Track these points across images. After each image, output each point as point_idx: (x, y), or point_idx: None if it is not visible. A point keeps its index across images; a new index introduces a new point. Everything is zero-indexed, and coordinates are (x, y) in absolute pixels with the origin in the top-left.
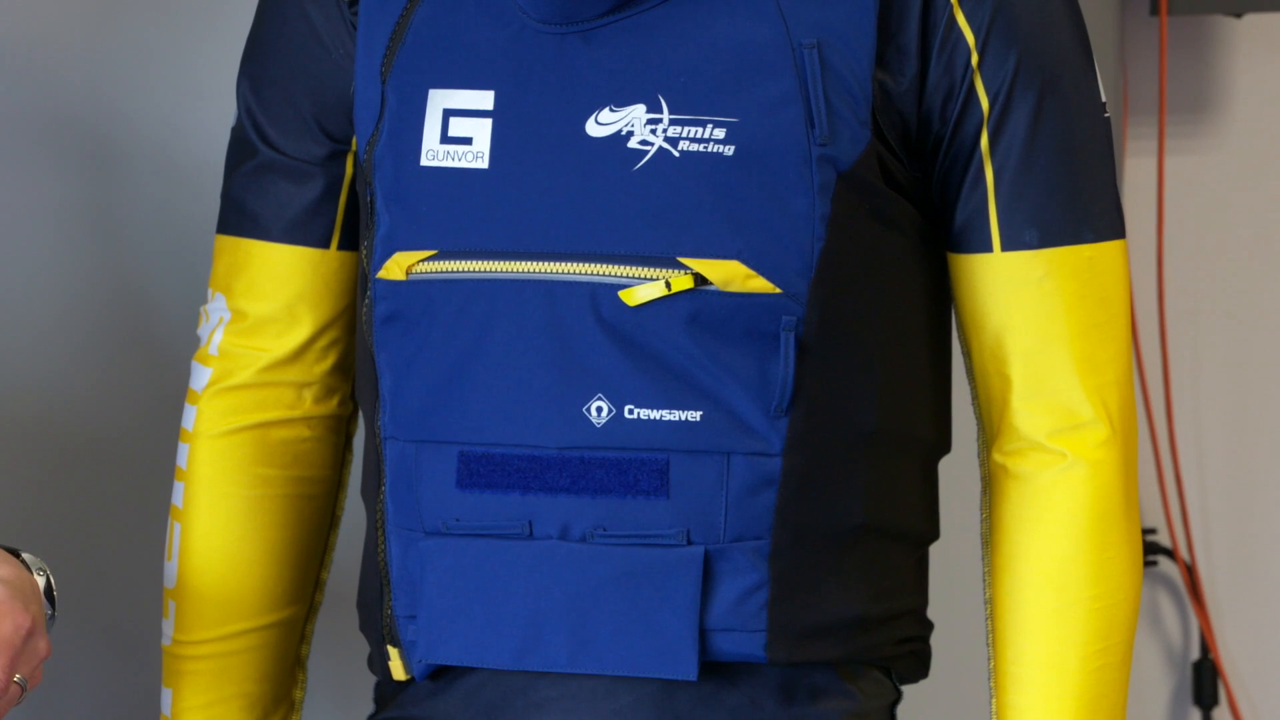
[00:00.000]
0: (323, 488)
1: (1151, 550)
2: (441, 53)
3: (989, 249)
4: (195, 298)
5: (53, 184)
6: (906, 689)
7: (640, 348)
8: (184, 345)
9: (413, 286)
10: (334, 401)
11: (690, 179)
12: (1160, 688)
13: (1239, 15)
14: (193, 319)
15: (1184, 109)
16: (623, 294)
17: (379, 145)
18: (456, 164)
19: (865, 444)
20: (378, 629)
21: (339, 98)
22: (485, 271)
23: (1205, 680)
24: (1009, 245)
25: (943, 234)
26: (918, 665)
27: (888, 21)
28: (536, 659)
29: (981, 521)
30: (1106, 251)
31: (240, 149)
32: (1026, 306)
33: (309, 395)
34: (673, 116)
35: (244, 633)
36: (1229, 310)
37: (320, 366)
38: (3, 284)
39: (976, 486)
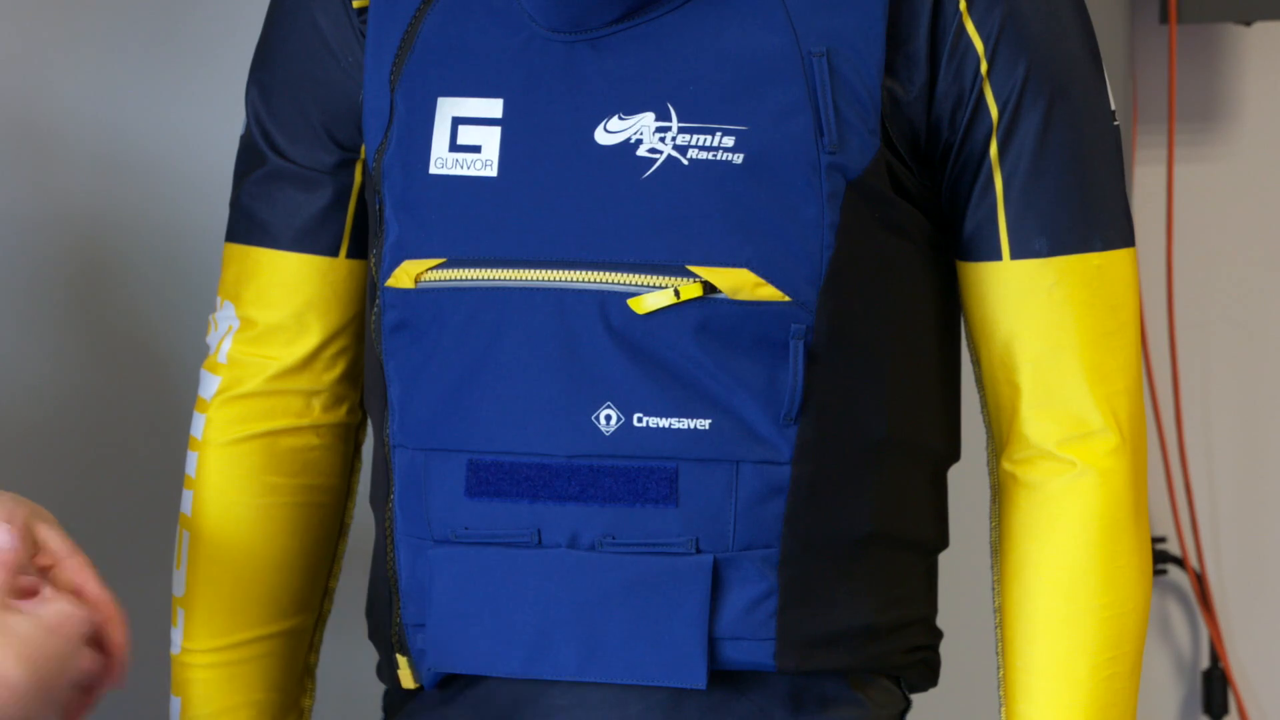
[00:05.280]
0: (331, 496)
1: (1161, 559)
2: (450, 61)
3: (998, 257)
4: (204, 306)
5: (61, 190)
6: (916, 698)
7: (649, 356)
8: (193, 353)
9: (422, 295)
10: (343, 410)
11: (699, 187)
12: (1170, 696)
13: (1249, 23)
14: (201, 327)
15: (1194, 117)
16: (631, 302)
17: (388, 153)
18: (465, 172)
19: (874, 452)
20: (386, 637)
21: (348, 106)
22: (494, 280)
23: (1215, 689)
24: (1018, 253)
25: (952, 242)
26: (927, 674)
27: (897, 30)
28: (546, 667)
29: (991, 530)
30: (1116, 260)
31: (249, 157)
32: (1036, 315)
33: (318, 403)
34: (681, 125)
35: (253, 641)
36: (1239, 318)
37: (329, 375)
38: (8, 291)
39: (986, 495)
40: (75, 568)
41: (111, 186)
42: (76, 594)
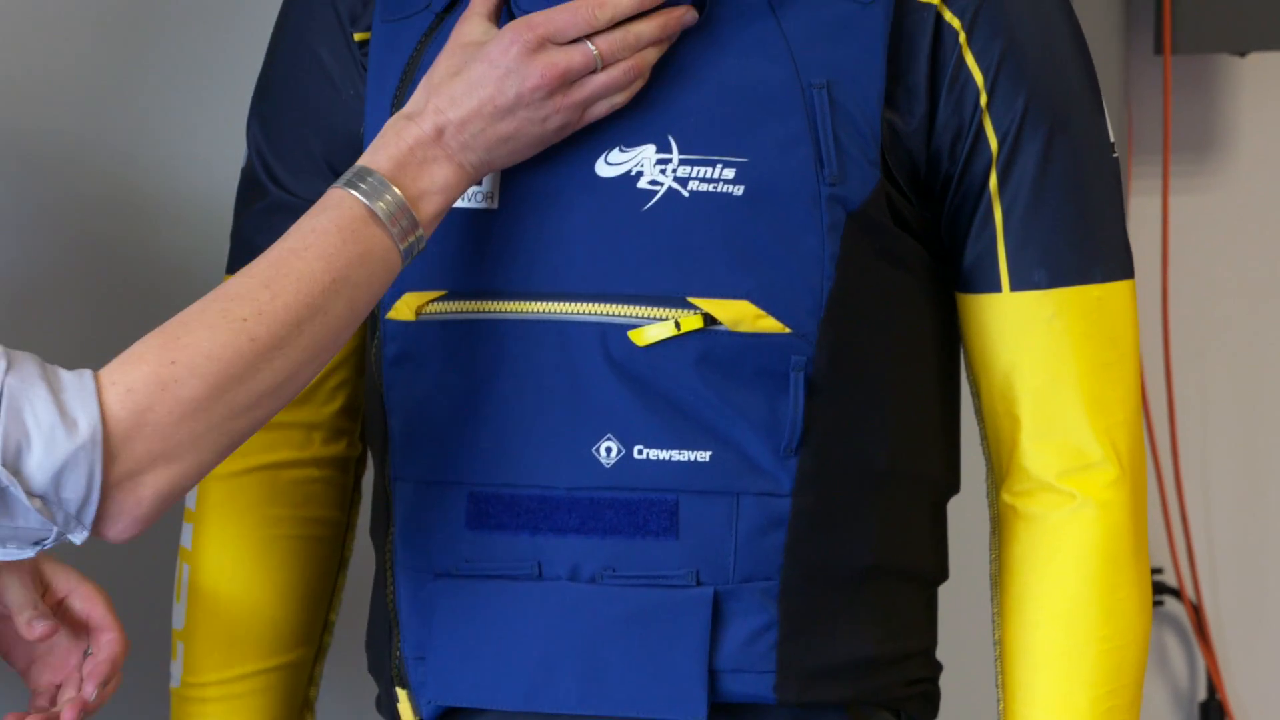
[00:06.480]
0: (332, 529)
1: (1158, 590)
2: None
3: (998, 289)
4: None
5: (62, 223)
6: None
7: (650, 388)
8: None
9: (423, 327)
10: (342, 443)
11: (700, 219)
12: None
13: (1243, 54)
14: None
15: (1189, 147)
16: (632, 334)
17: None
18: (467, 204)
19: (875, 484)
20: (387, 670)
21: (349, 138)
22: (495, 312)
23: None
24: (1018, 285)
25: (952, 274)
26: (927, 706)
27: (897, 61)
28: (546, 700)
29: (990, 562)
30: (1115, 291)
31: (250, 189)
32: (1036, 347)
33: (318, 437)
34: (682, 156)
35: (253, 675)
36: (1234, 349)
37: (329, 408)
38: (9, 319)
39: (986, 527)
40: (84, 595)
41: (113, 220)
42: (85, 623)
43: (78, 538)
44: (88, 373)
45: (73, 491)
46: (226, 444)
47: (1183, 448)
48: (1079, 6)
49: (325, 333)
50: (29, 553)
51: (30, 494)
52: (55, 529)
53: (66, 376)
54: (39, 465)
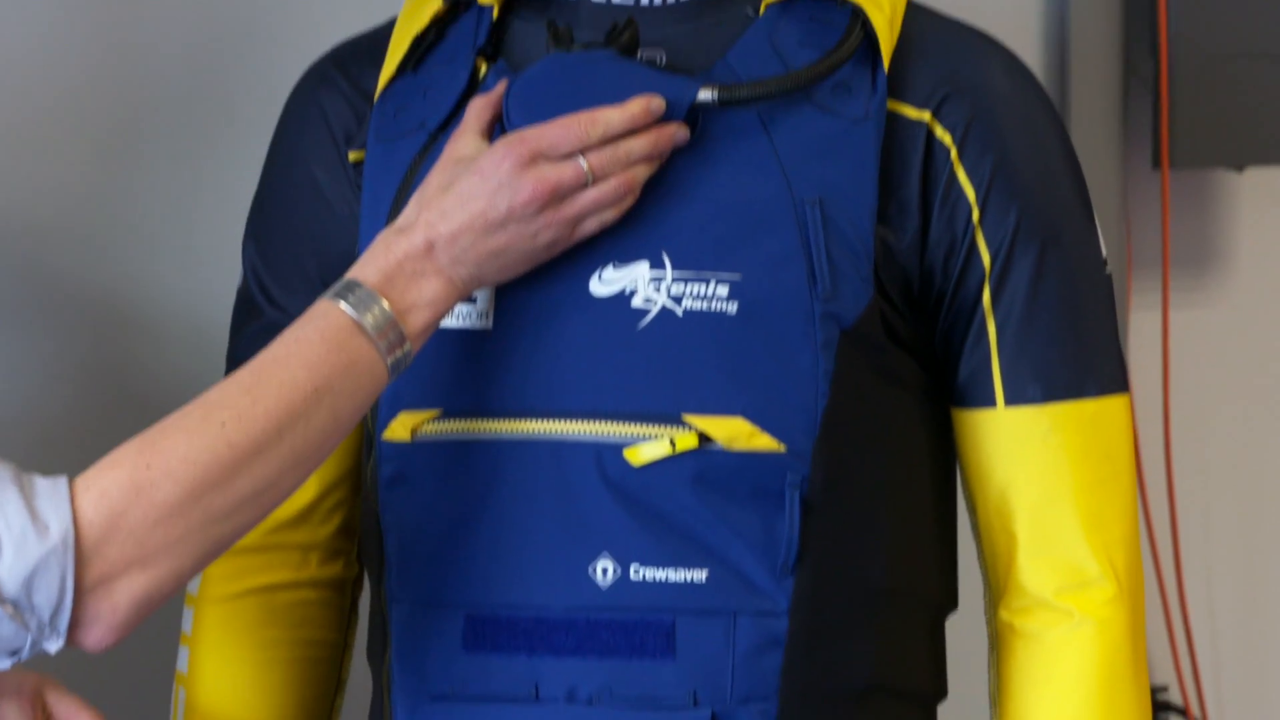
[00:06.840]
0: (329, 651)
1: (1163, 708)
2: None
3: (992, 404)
4: None
5: (55, 344)
6: None
7: (645, 507)
8: None
9: (418, 447)
10: (339, 564)
11: (694, 337)
12: None
13: (1240, 169)
14: None
15: (1187, 262)
16: (627, 453)
17: None
18: (460, 324)
19: (872, 602)
20: None
21: (344, 256)
22: (490, 431)
23: None
24: (1012, 400)
25: (946, 389)
26: None
27: (889, 177)
28: None
29: (989, 680)
30: (1110, 406)
31: (246, 310)
32: (1031, 462)
33: (314, 558)
34: (676, 273)
35: None
36: (1236, 463)
37: (325, 528)
38: (11, 440)
39: (984, 644)
40: None
41: (111, 340)
42: None
43: (53, 646)
44: (63, 478)
45: (44, 597)
46: (206, 551)
47: (1186, 564)
48: (1076, 122)
49: (307, 441)
50: (4, 664)
51: (1, 600)
52: (29, 637)
53: (40, 482)
54: (9, 570)
